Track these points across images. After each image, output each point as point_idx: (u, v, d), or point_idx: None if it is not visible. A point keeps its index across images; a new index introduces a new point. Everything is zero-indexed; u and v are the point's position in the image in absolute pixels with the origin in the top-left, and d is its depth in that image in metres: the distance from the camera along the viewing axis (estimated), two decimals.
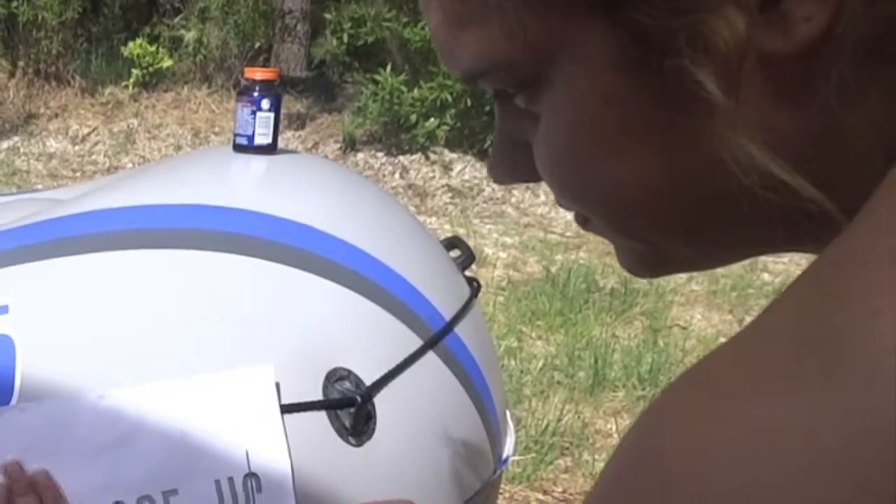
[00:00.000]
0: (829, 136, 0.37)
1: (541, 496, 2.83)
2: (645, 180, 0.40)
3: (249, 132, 1.26)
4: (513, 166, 0.46)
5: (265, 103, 1.26)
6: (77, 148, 6.83)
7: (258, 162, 1.27)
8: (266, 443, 0.94)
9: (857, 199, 0.34)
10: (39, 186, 5.65)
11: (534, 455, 2.97)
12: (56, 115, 7.09)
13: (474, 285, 1.31)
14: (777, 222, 0.38)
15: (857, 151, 0.37)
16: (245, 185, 1.27)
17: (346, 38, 6.79)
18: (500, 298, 4.30)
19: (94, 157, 6.76)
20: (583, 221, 0.45)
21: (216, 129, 6.98)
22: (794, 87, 0.36)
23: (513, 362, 3.62)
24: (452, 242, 1.38)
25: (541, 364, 3.64)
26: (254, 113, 1.26)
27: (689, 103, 0.37)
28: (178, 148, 6.78)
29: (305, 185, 1.26)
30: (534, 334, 3.99)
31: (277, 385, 0.96)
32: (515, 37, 0.39)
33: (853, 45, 0.35)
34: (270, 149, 1.27)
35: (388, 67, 6.35)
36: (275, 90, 1.28)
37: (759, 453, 0.29)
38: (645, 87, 0.38)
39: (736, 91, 0.36)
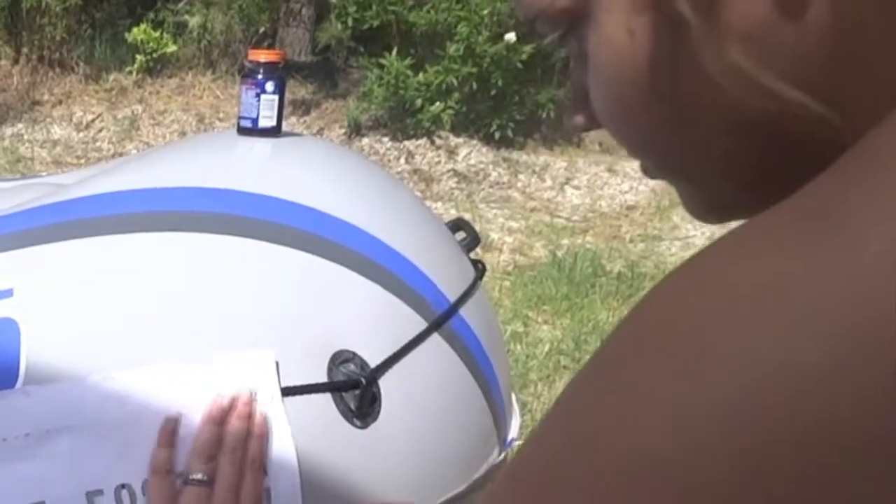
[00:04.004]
0: (849, 56, 0.36)
1: None
2: (671, 112, 0.41)
3: (254, 115, 1.26)
4: (584, 112, 0.47)
5: (269, 86, 1.26)
6: (81, 135, 6.83)
7: (262, 144, 1.26)
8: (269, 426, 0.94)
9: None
10: (44, 173, 5.65)
11: None
12: (60, 102, 7.09)
13: (479, 267, 1.31)
14: (809, 154, 0.38)
15: (888, 77, 0.36)
16: (249, 168, 1.26)
17: (350, 23, 6.77)
18: (507, 283, 4.30)
19: (98, 143, 6.76)
20: (644, 169, 0.47)
21: (220, 115, 6.97)
22: (802, 3, 0.36)
23: (519, 347, 3.62)
24: (457, 224, 1.37)
25: (547, 349, 3.64)
26: (258, 95, 1.25)
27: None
28: (183, 134, 6.78)
29: (310, 168, 1.25)
30: (540, 319, 3.99)
31: (278, 367, 0.96)
32: None
33: None
34: (275, 131, 1.27)
35: (394, 52, 6.34)
36: (279, 73, 1.27)
37: (751, 310, 0.31)
38: (662, 20, 0.39)
39: (710, 9, 0.36)
